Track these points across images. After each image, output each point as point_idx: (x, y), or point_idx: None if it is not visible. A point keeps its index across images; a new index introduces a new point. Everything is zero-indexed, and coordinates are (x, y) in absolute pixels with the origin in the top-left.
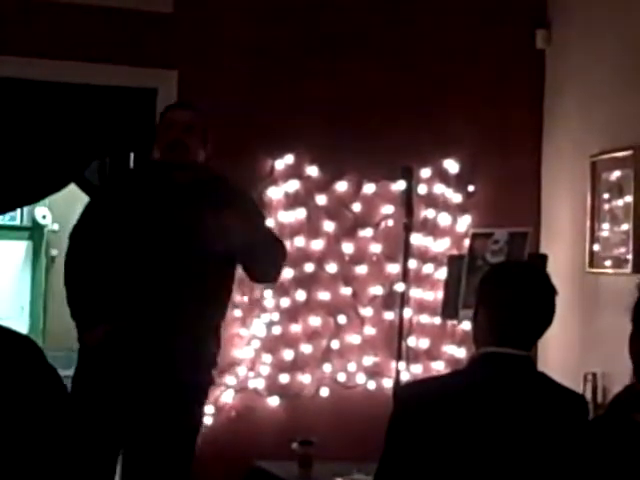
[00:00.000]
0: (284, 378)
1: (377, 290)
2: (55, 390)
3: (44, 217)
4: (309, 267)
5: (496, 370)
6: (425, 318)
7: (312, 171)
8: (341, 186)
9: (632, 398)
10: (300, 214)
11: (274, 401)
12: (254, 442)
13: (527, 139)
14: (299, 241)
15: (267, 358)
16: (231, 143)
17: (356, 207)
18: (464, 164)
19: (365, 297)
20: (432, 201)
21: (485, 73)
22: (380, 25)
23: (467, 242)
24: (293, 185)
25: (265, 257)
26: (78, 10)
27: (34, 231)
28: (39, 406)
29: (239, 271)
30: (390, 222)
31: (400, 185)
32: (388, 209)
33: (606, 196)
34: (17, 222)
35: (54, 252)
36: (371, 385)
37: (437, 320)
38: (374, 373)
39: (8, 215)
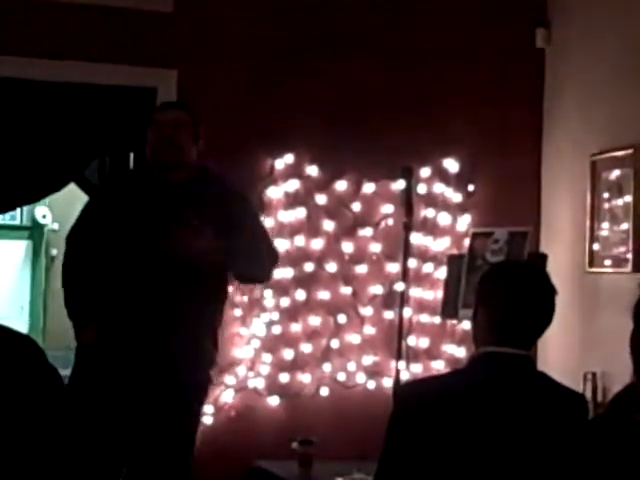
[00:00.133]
0: (284, 377)
1: (377, 289)
2: (55, 390)
3: (44, 217)
4: (309, 266)
5: (496, 369)
6: (425, 317)
7: (312, 170)
8: (341, 185)
9: (633, 397)
10: (300, 213)
11: (274, 400)
12: (254, 441)
13: (527, 138)
14: (299, 240)
15: (267, 357)
16: (231, 142)
17: (356, 206)
18: (464, 163)
19: (365, 296)
20: (432, 200)
21: (485, 72)
22: (380, 25)
23: (467, 241)
24: (293, 184)
25: (250, 262)
26: (78, 10)
27: (34, 230)
28: (39, 406)
29: None
30: (390, 221)
31: (400, 184)
32: (388, 208)
33: (606, 195)
34: (17, 221)
35: (54, 252)
36: (371, 384)
37: (437, 319)
38: (374, 372)
39: (8, 214)
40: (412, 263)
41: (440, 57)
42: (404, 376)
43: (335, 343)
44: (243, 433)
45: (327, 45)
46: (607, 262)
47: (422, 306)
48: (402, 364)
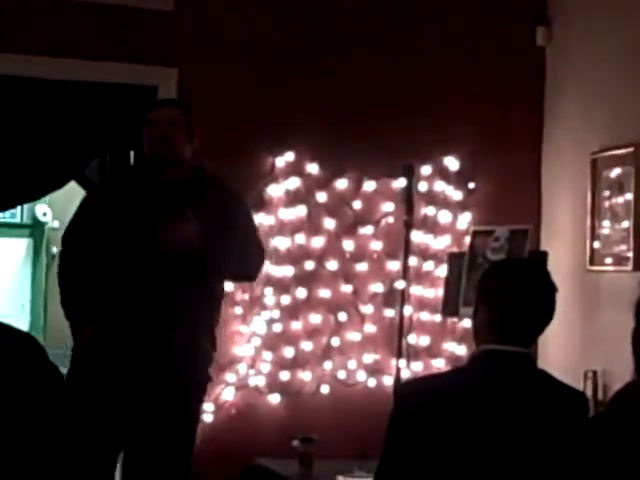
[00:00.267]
0: (284, 375)
1: (377, 287)
2: (56, 388)
3: (45, 215)
4: (309, 265)
5: (497, 367)
6: (425, 315)
7: (312, 168)
8: (341, 183)
9: (633, 395)
10: (300, 211)
11: (275, 399)
12: (255, 439)
13: (527, 136)
14: (299, 238)
15: (267, 355)
16: (231, 140)
17: (356, 204)
18: (464, 161)
19: (365, 294)
20: (432, 198)
21: (485, 70)
22: (380, 25)
23: (468, 239)
24: (294, 182)
25: (244, 261)
26: (78, 7)
27: (35, 229)
28: (40, 403)
29: None
30: (390, 219)
31: (400, 182)
32: (388, 206)
33: (606, 193)
34: (18, 219)
35: (54, 249)
36: (371, 383)
37: (437, 317)
38: (374, 371)
39: (8, 212)
40: (413, 261)
41: (441, 55)
42: (405, 374)
43: (336, 341)
44: (244, 431)
45: (327, 45)
46: (608, 260)
47: (423, 304)
48: (403, 362)
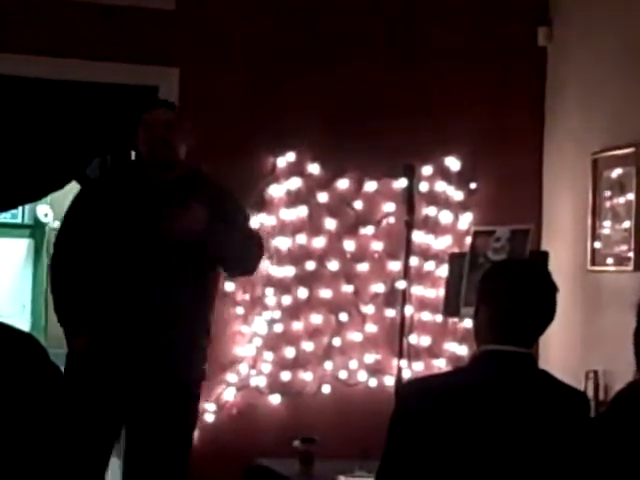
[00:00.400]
0: (285, 376)
1: (378, 288)
2: (57, 388)
3: (46, 215)
4: (310, 265)
5: (498, 368)
6: (426, 315)
7: (314, 169)
8: (342, 184)
9: (635, 395)
10: (302, 212)
11: (275, 399)
12: (255, 440)
13: (528, 137)
14: (301, 239)
15: (269, 356)
16: (232, 141)
17: (357, 205)
18: (465, 162)
19: (366, 295)
20: (433, 199)
21: (486, 70)
22: (380, 25)
23: (468, 240)
24: (295, 183)
25: (245, 257)
26: (79, 7)
27: (36, 229)
28: (41, 403)
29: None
30: (391, 220)
31: (401, 183)
32: (389, 207)
33: (607, 194)
34: (19, 220)
35: None
36: (372, 383)
37: (438, 318)
38: (375, 371)
39: (10, 213)
40: (414, 261)
41: (441, 55)
42: (406, 374)
43: (337, 341)
44: (245, 431)
45: (327, 45)
46: (609, 260)
47: (423, 304)
48: (404, 362)
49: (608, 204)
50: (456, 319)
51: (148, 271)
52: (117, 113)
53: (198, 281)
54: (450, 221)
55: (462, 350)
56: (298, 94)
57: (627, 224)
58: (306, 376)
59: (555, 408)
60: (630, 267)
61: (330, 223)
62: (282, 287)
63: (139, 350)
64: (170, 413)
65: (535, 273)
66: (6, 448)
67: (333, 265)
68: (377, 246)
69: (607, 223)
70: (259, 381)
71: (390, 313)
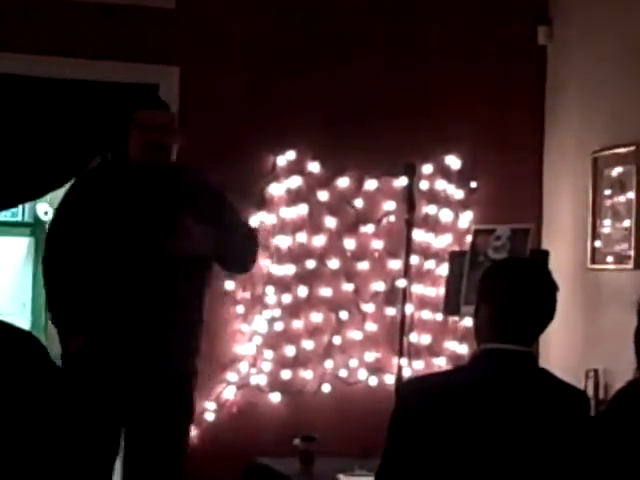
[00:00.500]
0: (286, 374)
1: (379, 286)
2: (57, 386)
3: (46, 213)
4: (311, 263)
5: (498, 366)
6: (427, 314)
7: (314, 167)
8: (343, 182)
9: (635, 394)
10: (302, 210)
11: (276, 397)
12: (256, 438)
13: (529, 135)
14: (301, 237)
15: (269, 354)
16: (232, 139)
17: (358, 203)
18: (466, 160)
19: (367, 293)
20: (434, 197)
21: (487, 69)
22: (380, 25)
23: (469, 238)
24: (295, 181)
25: (244, 256)
26: (79, 6)
27: (36, 227)
28: (42, 402)
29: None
30: (392, 218)
31: (402, 181)
32: (390, 205)
33: (608, 192)
34: (19, 218)
35: None
36: (373, 381)
37: (439, 316)
38: (376, 369)
39: (10, 211)
40: (414, 260)
41: (441, 55)
42: (406, 373)
43: (337, 340)
44: (245, 430)
45: (327, 45)
46: (609, 259)
47: (424, 303)
48: (404, 361)
49: (608, 203)
50: (456, 318)
51: (147, 273)
52: (117, 112)
53: (196, 280)
54: (450, 220)
55: (462, 349)
56: (298, 93)
57: (627, 223)
58: (306, 374)
59: (555, 407)
60: (630, 266)
61: (330, 221)
62: (282, 285)
63: (138, 348)
64: (168, 411)
65: (535, 272)
66: (6, 448)
67: (333, 263)
68: (377, 244)
69: (607, 222)
70: (259, 380)
71: (390, 311)
